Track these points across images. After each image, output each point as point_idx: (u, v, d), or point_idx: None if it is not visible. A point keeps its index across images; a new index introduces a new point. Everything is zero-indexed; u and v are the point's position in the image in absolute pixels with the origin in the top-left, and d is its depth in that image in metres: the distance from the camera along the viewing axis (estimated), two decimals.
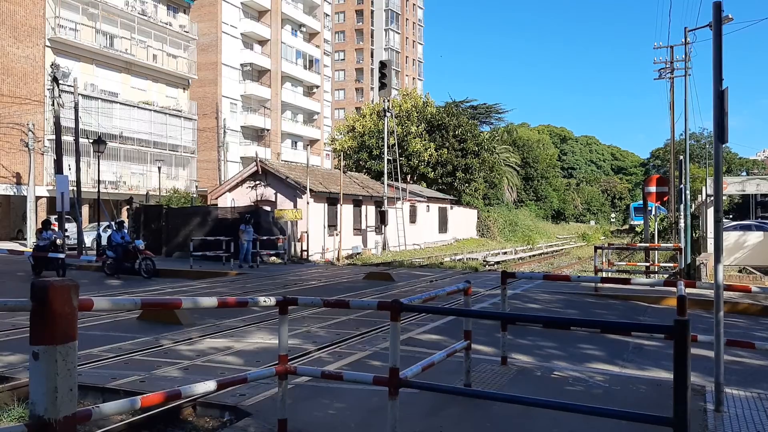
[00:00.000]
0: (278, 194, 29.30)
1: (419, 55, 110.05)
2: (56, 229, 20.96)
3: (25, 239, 36.06)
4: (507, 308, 7.54)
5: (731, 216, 62.99)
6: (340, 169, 33.00)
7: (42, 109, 39.08)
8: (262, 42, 62.28)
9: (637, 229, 67.97)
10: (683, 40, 31.39)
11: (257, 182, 29.71)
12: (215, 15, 56.23)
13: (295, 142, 66.91)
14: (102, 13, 44.42)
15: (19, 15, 38.90)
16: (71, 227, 29.87)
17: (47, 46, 40.57)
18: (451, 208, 46.26)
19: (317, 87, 70.56)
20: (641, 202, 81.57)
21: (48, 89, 34.50)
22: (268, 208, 26.83)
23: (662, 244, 25.94)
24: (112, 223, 23.30)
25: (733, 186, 25.31)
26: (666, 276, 19.80)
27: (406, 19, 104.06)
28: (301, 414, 5.31)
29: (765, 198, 54.14)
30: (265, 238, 23.36)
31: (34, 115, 38.68)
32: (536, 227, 63.92)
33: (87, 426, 4.84)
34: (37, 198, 38.00)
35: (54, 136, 29.58)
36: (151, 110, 47.51)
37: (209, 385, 4.10)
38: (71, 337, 2.80)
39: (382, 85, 34.34)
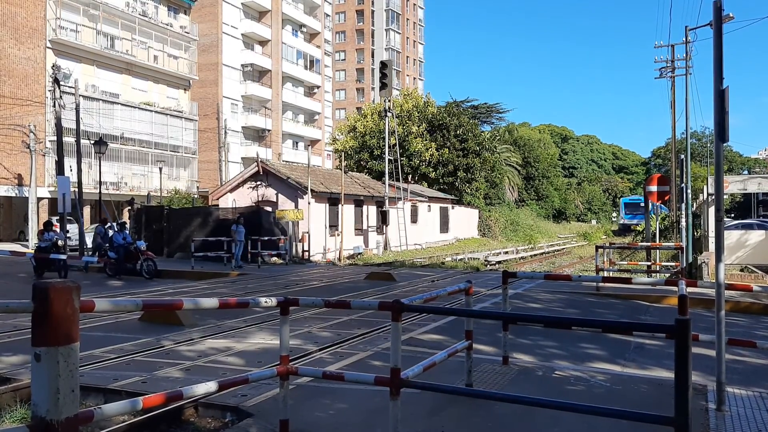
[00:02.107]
0: (279, 195, 29.31)
1: (420, 54, 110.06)
2: (58, 230, 20.99)
3: (27, 241, 36.10)
4: (508, 308, 7.54)
5: (733, 215, 62.84)
6: (341, 170, 33.01)
7: (43, 110, 39.12)
8: (263, 42, 62.30)
9: (637, 228, 65.42)
10: (684, 39, 31.38)
11: (258, 183, 29.72)
12: (216, 16, 56.27)
13: (296, 143, 66.93)
14: (103, 14, 44.43)
15: (20, 17, 38.94)
16: (73, 228, 29.89)
17: (48, 48, 40.60)
18: (453, 207, 46.26)
19: (318, 87, 70.56)
20: (634, 197, 75.13)
21: (49, 90, 34.55)
22: (269, 209, 26.84)
23: (664, 244, 25.90)
24: (114, 224, 23.32)
25: (734, 185, 25.30)
26: (667, 275, 19.79)
27: (407, 19, 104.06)
28: (303, 414, 5.32)
29: (766, 197, 54.11)
30: (266, 238, 23.37)
31: (36, 117, 38.72)
32: (537, 227, 63.90)
33: (89, 427, 4.84)
34: (39, 199, 38.03)
35: (55, 138, 29.61)
36: (152, 111, 47.53)
37: (211, 386, 4.10)
38: (73, 339, 2.81)
39: (383, 85, 34.33)
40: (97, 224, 25.65)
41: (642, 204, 64.91)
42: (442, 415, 5.41)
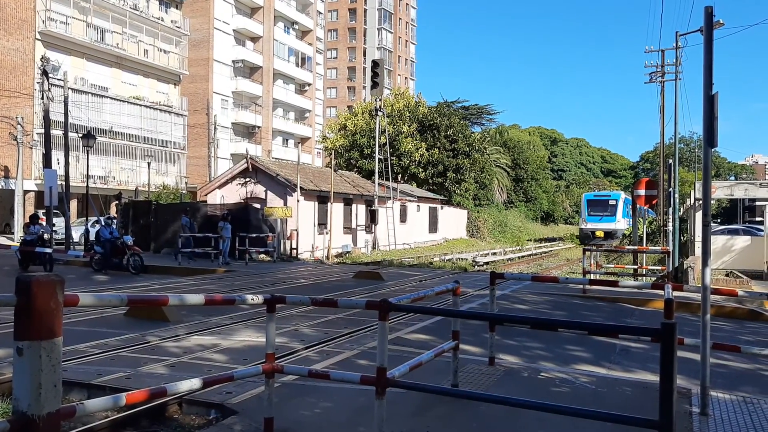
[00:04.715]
0: (268, 192, 29.21)
1: (412, 54, 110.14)
2: (44, 223, 20.81)
3: (13, 233, 35.79)
4: (495, 309, 7.55)
5: (719, 220, 63.35)
6: (331, 168, 32.96)
7: (31, 102, 38.81)
8: (255, 39, 62.09)
9: (602, 233, 50.73)
10: (674, 44, 31.52)
11: (247, 179, 29.61)
12: (207, 11, 56.02)
13: (286, 140, 66.77)
14: (93, 6, 44.13)
15: (9, 7, 38.60)
16: (59, 222, 29.66)
17: (37, 39, 40.28)
18: (442, 208, 46.31)
19: (309, 85, 70.43)
20: (601, 193, 59.56)
21: (38, 83, 34.29)
22: (258, 206, 26.73)
23: (650, 247, 26.08)
24: (101, 218, 23.16)
25: (721, 190, 25.48)
26: (654, 279, 19.93)
27: (399, 19, 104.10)
28: (288, 413, 5.30)
29: (753, 203, 54.55)
30: (254, 235, 23.29)
31: (23, 109, 38.40)
32: (525, 228, 64.02)
33: (71, 422, 4.80)
34: (25, 192, 37.72)
35: (43, 130, 29.37)
36: (141, 105, 47.28)
37: (195, 383, 4.07)
38: (56, 333, 2.78)
39: (374, 84, 34.30)
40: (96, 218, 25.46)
41: (611, 202, 52.56)
42: (427, 415, 5.41)
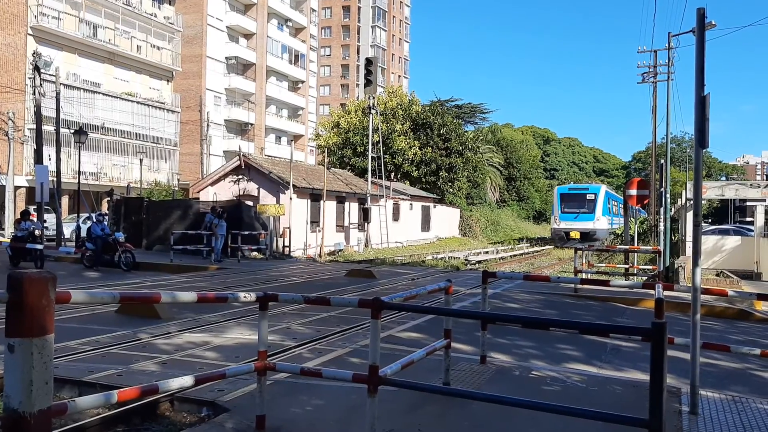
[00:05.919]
0: (261, 189, 29.17)
1: (405, 52, 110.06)
2: (35, 219, 20.69)
3: (3, 230, 35.58)
4: (487, 308, 7.57)
5: (710, 220, 63.67)
6: (323, 165, 32.92)
7: (23, 97, 38.55)
8: (248, 35, 61.94)
9: (572, 234, 43.43)
10: (667, 45, 31.65)
11: (240, 176, 29.55)
12: (201, 7, 55.82)
13: (279, 137, 66.66)
14: (86, 2, 43.89)
15: (2, 2, 38.36)
16: (50, 218, 29.50)
17: (29, 34, 40.03)
18: (434, 206, 46.36)
19: (302, 82, 70.32)
20: (577, 186, 52.03)
21: (29, 78, 34.04)
22: (250, 203, 26.69)
23: (641, 247, 26.20)
24: (92, 214, 23.07)
25: (712, 190, 25.63)
26: (645, 278, 20.01)
27: (393, 17, 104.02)
28: (280, 410, 5.30)
29: (743, 203, 54.69)
30: (246, 233, 23.25)
31: (15, 104, 38.15)
32: (518, 227, 64.15)
33: (62, 420, 4.79)
34: (16, 188, 37.50)
35: (34, 126, 29.21)
36: (133, 102, 47.05)
37: (187, 380, 4.07)
38: (47, 330, 2.77)
39: (368, 82, 34.29)
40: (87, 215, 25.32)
41: (589, 196, 44.95)
42: (419, 413, 5.42)
